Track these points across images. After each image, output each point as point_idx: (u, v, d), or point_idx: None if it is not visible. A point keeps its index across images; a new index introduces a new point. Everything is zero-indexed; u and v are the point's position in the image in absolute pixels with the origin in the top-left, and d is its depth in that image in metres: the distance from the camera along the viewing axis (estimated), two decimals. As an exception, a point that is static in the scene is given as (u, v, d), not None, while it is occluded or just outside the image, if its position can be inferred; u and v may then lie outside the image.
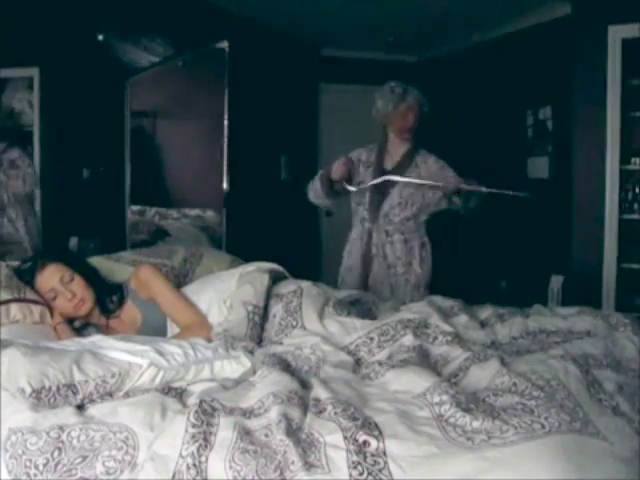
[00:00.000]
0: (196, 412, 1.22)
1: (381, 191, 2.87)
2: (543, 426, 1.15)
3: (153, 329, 1.93)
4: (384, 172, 2.88)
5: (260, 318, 1.86)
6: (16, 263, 2.09)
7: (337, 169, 2.84)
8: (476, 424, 1.19)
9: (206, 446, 1.14)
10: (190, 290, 2.06)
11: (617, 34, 3.63)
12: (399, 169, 2.87)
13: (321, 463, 1.10)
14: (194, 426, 1.18)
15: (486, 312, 2.01)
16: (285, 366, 1.54)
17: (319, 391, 1.35)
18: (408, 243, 2.88)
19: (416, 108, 2.89)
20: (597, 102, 3.71)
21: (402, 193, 2.85)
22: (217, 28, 4.22)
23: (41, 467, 1.16)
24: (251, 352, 1.63)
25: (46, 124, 4.12)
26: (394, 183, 2.81)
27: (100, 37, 4.04)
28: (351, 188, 2.79)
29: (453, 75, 5.19)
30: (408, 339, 1.69)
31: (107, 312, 2.00)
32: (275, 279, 2.05)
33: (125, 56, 4.24)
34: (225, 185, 4.09)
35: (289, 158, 5.20)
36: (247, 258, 2.36)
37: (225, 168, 4.06)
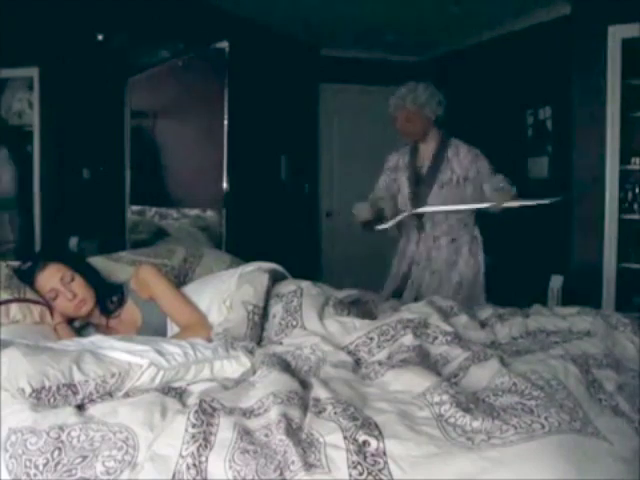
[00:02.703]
0: (196, 412, 1.22)
1: (420, 197, 2.88)
2: (543, 426, 1.15)
3: (153, 329, 1.93)
4: (418, 175, 2.91)
5: (260, 318, 1.86)
6: (16, 263, 2.09)
7: (360, 218, 2.92)
8: (476, 424, 1.19)
9: (206, 446, 1.14)
10: (190, 290, 2.06)
11: (617, 34, 3.62)
12: (432, 170, 2.87)
13: (321, 463, 1.10)
14: (194, 426, 1.18)
15: (486, 312, 2.01)
16: (285, 366, 1.54)
17: (319, 391, 1.35)
18: (455, 242, 2.89)
19: (417, 115, 2.84)
20: (597, 102, 3.71)
21: (439, 198, 2.84)
22: (217, 28, 4.22)
23: (41, 467, 1.16)
24: (251, 352, 1.63)
25: (46, 124, 4.11)
26: (428, 190, 2.84)
27: (100, 37, 4.04)
28: (382, 227, 2.76)
29: (453, 75, 5.19)
30: (408, 339, 1.69)
31: (107, 312, 2.00)
32: (275, 279, 2.05)
33: (125, 56, 4.24)
34: (225, 185, 4.09)
35: (289, 158, 5.20)
36: (247, 258, 2.36)
37: (225, 168, 4.07)
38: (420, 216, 2.89)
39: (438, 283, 2.89)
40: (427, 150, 2.92)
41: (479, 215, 2.96)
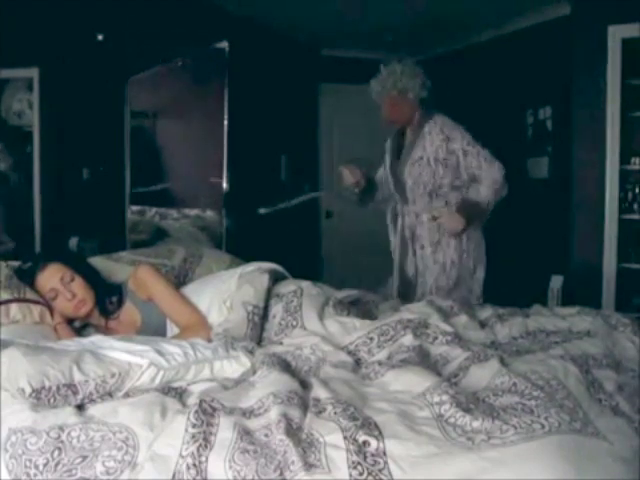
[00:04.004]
0: (196, 412, 1.22)
1: (396, 175, 2.90)
2: (543, 426, 1.15)
3: (153, 329, 1.93)
4: (399, 154, 2.91)
5: (260, 318, 1.86)
6: (16, 263, 2.09)
7: (346, 181, 2.95)
8: (476, 424, 1.19)
9: (206, 446, 1.14)
10: (190, 290, 2.06)
11: (617, 34, 3.62)
12: (408, 147, 2.87)
13: (321, 463, 1.10)
14: (194, 426, 1.18)
15: (486, 312, 2.01)
16: (285, 366, 1.54)
17: (319, 391, 1.35)
18: (437, 220, 2.82)
19: (401, 99, 2.80)
20: (597, 102, 3.71)
21: (411, 174, 2.83)
22: (217, 28, 4.22)
23: (41, 467, 1.16)
24: (251, 352, 1.63)
25: (46, 124, 4.11)
26: (403, 167, 2.85)
27: (100, 37, 4.04)
28: (263, 211, 2.84)
29: (453, 75, 5.18)
30: (408, 339, 1.70)
31: (106, 313, 2.00)
32: (275, 279, 2.05)
33: (125, 56, 4.24)
34: (225, 185, 4.09)
35: (289, 158, 5.20)
36: (247, 258, 2.36)
37: (225, 168, 4.06)
38: (403, 190, 2.89)
39: (423, 263, 2.88)
40: (411, 129, 2.91)
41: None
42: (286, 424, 1.18)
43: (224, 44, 3.94)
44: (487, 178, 2.75)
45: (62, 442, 1.20)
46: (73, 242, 4.00)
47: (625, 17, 3.56)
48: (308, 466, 1.08)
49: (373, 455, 1.11)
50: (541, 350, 1.66)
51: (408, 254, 2.93)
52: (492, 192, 2.75)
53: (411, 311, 1.88)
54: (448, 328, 1.77)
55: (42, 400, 1.29)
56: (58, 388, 1.31)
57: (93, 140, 4.17)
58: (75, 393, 1.33)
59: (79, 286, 1.94)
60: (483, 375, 1.49)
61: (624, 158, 3.72)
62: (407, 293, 2.90)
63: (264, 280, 1.96)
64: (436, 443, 1.14)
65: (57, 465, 1.16)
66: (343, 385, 1.42)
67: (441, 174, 2.79)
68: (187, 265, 2.35)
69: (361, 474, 1.07)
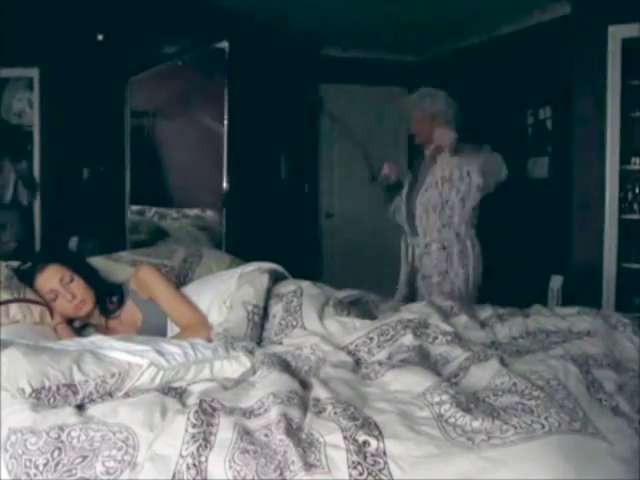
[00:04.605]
0: (196, 412, 1.22)
1: (410, 199, 2.97)
2: (543, 426, 1.15)
3: (153, 329, 1.93)
4: (416, 177, 2.99)
5: (260, 318, 1.86)
6: (16, 263, 2.09)
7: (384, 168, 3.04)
8: (476, 424, 1.19)
9: (206, 446, 1.14)
10: (190, 290, 2.06)
11: (617, 34, 3.62)
12: (423, 172, 2.95)
13: (321, 463, 1.10)
14: (194, 426, 1.18)
15: (486, 312, 2.01)
16: (285, 366, 1.54)
17: (319, 391, 1.35)
18: (445, 250, 2.87)
19: (430, 118, 2.90)
20: (597, 102, 3.71)
21: (422, 200, 2.91)
22: (217, 28, 4.22)
23: (41, 467, 1.16)
24: (251, 352, 1.63)
25: (46, 124, 4.12)
26: (417, 191, 2.92)
27: (100, 37, 4.04)
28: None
29: (453, 75, 5.18)
30: (408, 339, 1.69)
31: (107, 313, 2.00)
32: (275, 279, 2.05)
33: (125, 56, 4.24)
34: (225, 185, 4.09)
35: (289, 158, 5.20)
36: (247, 258, 2.36)
37: (225, 168, 4.07)
38: (412, 221, 2.95)
39: (428, 290, 2.90)
40: (428, 154, 3.00)
41: (481, 223, 2.97)
42: (286, 424, 1.18)
43: (224, 44, 3.95)
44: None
45: (62, 442, 1.20)
46: (73, 242, 4.00)
47: (625, 17, 3.56)
48: (308, 466, 1.08)
49: (373, 455, 1.11)
50: (541, 350, 1.66)
51: (415, 283, 3.00)
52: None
53: (411, 311, 1.88)
54: (448, 328, 1.77)
55: (42, 400, 1.29)
56: (58, 388, 1.31)
57: (93, 140, 4.18)
58: (75, 393, 1.32)
59: (79, 286, 1.94)
60: (483, 375, 1.49)
61: (624, 158, 3.72)
62: None
63: (264, 280, 1.96)
64: (436, 443, 1.14)
65: (57, 465, 1.16)
66: (343, 385, 1.42)
67: (447, 191, 2.85)
68: (187, 265, 2.35)
69: (361, 474, 1.07)
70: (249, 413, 1.28)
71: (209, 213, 4.53)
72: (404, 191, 3.05)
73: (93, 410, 1.31)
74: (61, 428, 1.22)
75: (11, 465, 1.18)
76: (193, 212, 4.62)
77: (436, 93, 2.94)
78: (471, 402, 1.30)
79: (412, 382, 1.40)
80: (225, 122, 4.00)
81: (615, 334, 1.74)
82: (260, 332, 1.86)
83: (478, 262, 2.92)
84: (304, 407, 1.29)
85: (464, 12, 4.38)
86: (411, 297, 2.99)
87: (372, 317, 2.00)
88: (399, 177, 3.08)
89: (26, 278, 1.98)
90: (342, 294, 2.13)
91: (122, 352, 1.45)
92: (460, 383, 1.49)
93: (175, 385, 1.45)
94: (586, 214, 3.85)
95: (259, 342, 1.82)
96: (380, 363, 1.56)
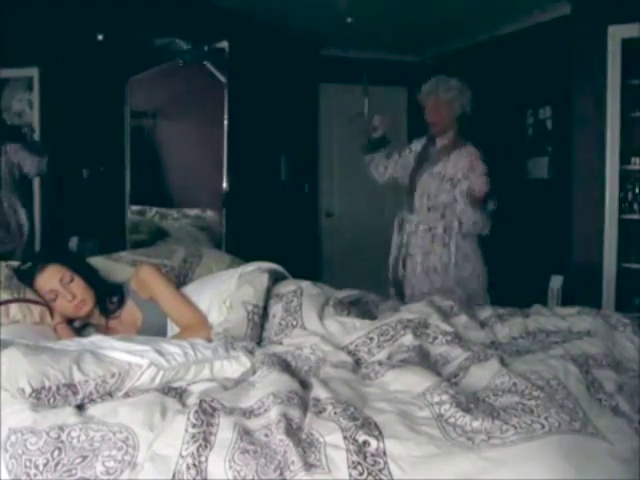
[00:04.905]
0: (196, 412, 1.22)
1: (414, 179, 3.05)
2: (543, 426, 1.15)
3: (153, 329, 1.93)
4: (421, 160, 3.05)
5: (260, 318, 1.86)
6: (16, 263, 2.09)
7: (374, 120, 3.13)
8: (476, 424, 1.19)
9: (206, 446, 1.14)
10: (190, 290, 2.06)
11: (617, 34, 3.62)
12: (432, 160, 3.01)
13: (321, 463, 1.10)
14: (194, 426, 1.18)
15: (486, 312, 2.01)
16: (285, 366, 1.54)
17: (319, 391, 1.35)
18: (431, 232, 2.98)
19: (445, 105, 2.99)
20: (597, 102, 3.71)
21: (423, 184, 2.99)
22: (217, 28, 4.22)
23: (41, 467, 1.16)
24: (251, 352, 1.63)
25: (46, 124, 4.11)
26: (420, 176, 3.00)
27: (100, 37, 4.04)
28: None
29: (453, 75, 5.18)
30: (408, 339, 1.70)
31: (107, 313, 2.00)
32: (275, 279, 2.05)
33: (125, 56, 4.24)
34: (225, 185, 4.09)
35: (289, 158, 5.20)
36: (247, 258, 2.36)
37: (225, 168, 4.06)
38: (412, 198, 3.04)
39: (411, 267, 3.03)
40: (440, 143, 3.05)
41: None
42: (286, 424, 1.18)
43: (224, 44, 3.94)
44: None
45: (62, 442, 1.20)
46: (73, 242, 4.00)
47: (625, 17, 3.56)
48: (308, 466, 1.08)
49: (373, 455, 1.11)
50: (541, 350, 1.66)
51: (400, 259, 3.11)
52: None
53: (411, 311, 1.88)
54: (448, 328, 1.77)
55: (42, 400, 1.29)
56: (58, 388, 1.31)
57: (93, 140, 4.17)
58: (75, 393, 1.32)
59: (79, 286, 1.94)
60: (483, 375, 1.49)
61: (624, 158, 3.72)
62: (399, 293, 3.13)
63: (264, 280, 1.96)
64: (436, 443, 1.14)
65: (57, 465, 1.16)
66: (343, 385, 1.42)
67: (447, 190, 2.95)
68: (187, 265, 2.35)
69: (361, 474, 1.07)
70: (249, 413, 1.28)
71: (209, 213, 4.53)
72: (409, 168, 3.11)
73: (93, 410, 1.31)
74: (61, 428, 1.22)
75: (11, 465, 1.18)
76: (193, 212, 4.62)
77: (450, 80, 3.04)
78: (471, 402, 1.30)
79: (412, 382, 1.40)
80: (225, 122, 4.00)
81: (615, 334, 1.74)
82: (260, 332, 1.86)
83: (466, 241, 2.98)
84: (304, 407, 1.29)
85: (464, 12, 4.38)
86: (399, 279, 3.11)
87: (372, 317, 2.00)
88: (385, 133, 3.19)
89: (26, 278, 1.98)
90: (342, 294, 2.13)
91: (122, 352, 1.45)
92: (460, 383, 1.49)
93: (175, 385, 1.45)
94: (586, 214, 3.85)
95: (259, 342, 1.82)
96: (380, 363, 1.56)
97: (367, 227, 5.50)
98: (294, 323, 1.83)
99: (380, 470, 1.08)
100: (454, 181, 2.93)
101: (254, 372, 1.52)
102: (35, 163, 3.74)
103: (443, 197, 2.95)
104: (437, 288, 2.92)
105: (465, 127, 3.07)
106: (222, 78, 4.02)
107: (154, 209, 4.65)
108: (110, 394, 1.37)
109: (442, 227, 2.97)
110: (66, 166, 4.14)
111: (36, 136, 3.91)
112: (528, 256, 4.41)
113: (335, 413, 1.23)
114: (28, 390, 1.29)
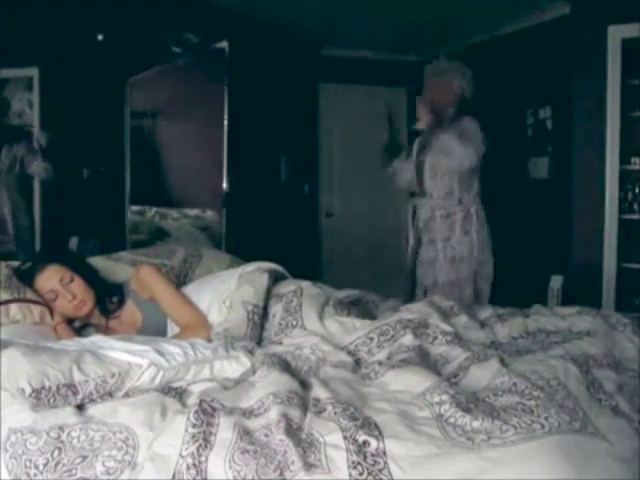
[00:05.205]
0: (196, 412, 1.22)
1: (421, 163, 3.05)
2: (543, 426, 1.15)
3: (153, 329, 1.93)
4: (424, 144, 3.05)
5: (260, 318, 1.86)
6: (16, 263, 2.09)
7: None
8: (476, 424, 1.19)
9: (206, 446, 1.14)
10: (190, 290, 2.06)
11: (617, 34, 3.62)
12: (433, 141, 3.00)
13: (321, 463, 1.10)
14: (194, 426, 1.18)
15: (486, 312, 2.01)
16: (285, 366, 1.54)
17: (319, 391, 1.35)
18: (449, 218, 2.96)
19: (446, 85, 2.99)
20: (597, 102, 3.71)
21: (430, 166, 2.98)
22: (217, 28, 4.22)
23: (41, 467, 1.16)
24: (251, 352, 1.63)
25: (46, 124, 4.11)
26: (425, 157, 3.00)
27: (100, 37, 4.04)
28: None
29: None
30: (408, 339, 1.69)
31: (107, 313, 2.00)
32: (275, 279, 2.05)
33: (125, 56, 4.24)
34: (225, 185, 4.09)
35: (289, 158, 5.20)
36: (247, 258, 2.36)
37: (225, 168, 4.07)
38: (421, 182, 3.04)
39: (434, 254, 3.01)
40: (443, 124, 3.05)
41: (485, 192, 3.04)
42: (286, 424, 1.18)
43: (224, 44, 3.94)
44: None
45: (62, 442, 1.20)
46: (73, 242, 4.00)
47: (625, 17, 3.56)
48: (308, 466, 1.08)
49: (373, 455, 1.11)
50: (541, 350, 1.66)
51: (421, 246, 3.08)
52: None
53: (411, 311, 1.88)
54: (448, 328, 1.77)
55: (42, 400, 1.29)
56: (58, 388, 1.31)
57: (93, 140, 4.18)
58: (75, 393, 1.32)
59: (79, 286, 1.94)
60: (483, 375, 1.49)
61: (624, 158, 3.72)
62: (418, 285, 3.09)
63: (264, 280, 1.96)
64: (436, 443, 1.14)
65: (57, 465, 1.16)
66: (343, 385, 1.42)
67: (446, 160, 2.92)
68: (187, 265, 2.35)
69: (361, 474, 1.07)
70: (249, 413, 1.28)
71: (209, 213, 4.53)
72: (414, 152, 3.13)
73: (93, 410, 1.31)
74: (61, 428, 1.22)
75: (11, 465, 1.18)
76: (193, 212, 4.62)
77: (453, 63, 3.08)
78: (471, 402, 1.30)
79: (412, 382, 1.40)
80: (225, 122, 4.00)
81: (615, 334, 1.74)
82: (260, 332, 1.86)
83: (482, 228, 3.00)
84: (304, 407, 1.29)
85: (464, 12, 4.38)
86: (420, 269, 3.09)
87: (372, 317, 2.00)
88: (398, 139, 3.22)
89: (26, 278, 1.98)
90: (342, 294, 2.13)
91: (122, 352, 1.45)
92: (460, 383, 1.49)
93: (175, 385, 1.45)
94: (586, 214, 3.85)
95: (259, 342, 1.82)
96: (380, 363, 1.56)
97: (367, 227, 5.51)
98: (294, 323, 1.83)
99: (380, 470, 1.08)
100: (447, 150, 2.90)
101: (254, 372, 1.52)
102: (41, 167, 3.81)
103: (450, 168, 2.90)
104: (462, 277, 2.92)
105: (465, 108, 3.05)
106: (222, 78, 4.03)
107: (154, 209, 4.66)
108: (110, 394, 1.37)
109: (462, 214, 2.95)
110: (66, 166, 4.15)
111: (43, 140, 3.93)
112: (528, 256, 4.40)
113: (335, 413, 1.23)
114: (28, 390, 1.29)
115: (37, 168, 3.82)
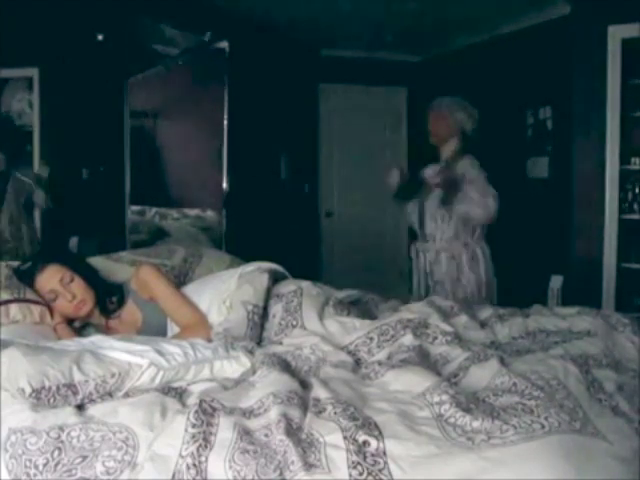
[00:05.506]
0: (196, 412, 1.22)
1: (421, 211, 3.01)
2: (543, 426, 1.15)
3: (153, 329, 1.93)
4: (426, 188, 2.99)
5: (260, 318, 1.86)
6: (16, 263, 2.09)
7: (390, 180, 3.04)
8: (476, 424, 1.19)
9: (206, 446, 1.14)
10: (190, 290, 2.06)
11: (617, 34, 3.62)
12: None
13: (321, 463, 1.10)
14: (194, 426, 1.18)
15: (486, 312, 2.01)
16: (285, 366, 1.54)
17: (319, 391, 1.35)
18: (455, 260, 2.93)
19: (444, 118, 2.98)
20: (597, 102, 3.71)
21: (432, 202, 2.95)
22: (217, 28, 4.22)
23: (41, 467, 1.16)
24: (251, 352, 1.63)
25: (46, 124, 4.11)
26: (428, 193, 2.95)
27: (100, 37, 4.04)
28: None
29: (453, 75, 5.19)
30: (408, 339, 1.69)
31: (107, 313, 2.00)
32: (275, 279, 2.05)
33: (125, 56, 4.24)
34: (225, 185, 4.09)
35: (289, 158, 5.20)
36: (247, 258, 2.36)
37: (225, 168, 4.07)
38: (423, 226, 3.00)
39: (444, 295, 2.89)
40: (443, 157, 3.04)
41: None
42: (286, 424, 1.18)
43: (224, 44, 3.95)
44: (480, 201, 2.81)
45: (62, 442, 1.20)
46: (73, 242, 4.00)
47: (625, 17, 3.56)
48: (308, 466, 1.08)
49: (373, 455, 1.11)
50: (541, 350, 1.66)
51: (428, 288, 3.04)
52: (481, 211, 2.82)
53: (411, 311, 1.88)
54: (448, 328, 1.77)
55: (42, 400, 1.29)
56: (58, 388, 1.31)
57: (93, 140, 4.17)
58: (75, 393, 1.32)
59: (79, 286, 1.94)
60: (483, 375, 1.49)
61: (624, 158, 3.72)
62: None
63: (264, 280, 1.96)
64: (436, 443, 1.14)
65: (57, 465, 1.16)
66: (343, 385, 1.42)
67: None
68: (187, 265, 2.35)
69: (361, 474, 1.07)
70: (249, 413, 1.28)
71: (209, 213, 4.53)
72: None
73: (93, 410, 1.31)
74: (61, 428, 1.22)
75: (11, 465, 1.18)
76: (193, 212, 4.62)
77: (455, 99, 3.04)
78: (471, 402, 1.30)
79: (412, 382, 1.40)
80: (225, 122, 4.00)
81: (615, 334, 1.74)
82: (260, 332, 1.86)
83: (489, 265, 2.99)
84: (304, 407, 1.29)
85: (464, 12, 4.38)
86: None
87: (372, 317, 2.00)
88: (402, 179, 3.07)
89: (26, 278, 1.98)
90: (342, 294, 2.13)
91: (122, 352, 1.45)
92: (460, 383, 1.49)
93: (175, 385, 1.45)
94: (586, 214, 3.85)
95: (259, 342, 1.82)
96: (380, 363, 1.56)
97: (367, 227, 5.51)
98: (294, 323, 1.83)
99: (380, 470, 1.08)
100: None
101: (254, 372, 1.52)
102: (42, 197, 3.90)
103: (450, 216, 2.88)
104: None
105: (467, 146, 3.03)
106: (222, 78, 4.03)
107: (154, 209, 4.65)
108: (110, 394, 1.37)
109: (468, 255, 2.93)
110: (66, 166, 4.14)
111: (45, 173, 3.99)
112: (528, 256, 4.41)
113: (335, 413, 1.23)
114: (28, 390, 1.29)
115: (39, 199, 3.91)
